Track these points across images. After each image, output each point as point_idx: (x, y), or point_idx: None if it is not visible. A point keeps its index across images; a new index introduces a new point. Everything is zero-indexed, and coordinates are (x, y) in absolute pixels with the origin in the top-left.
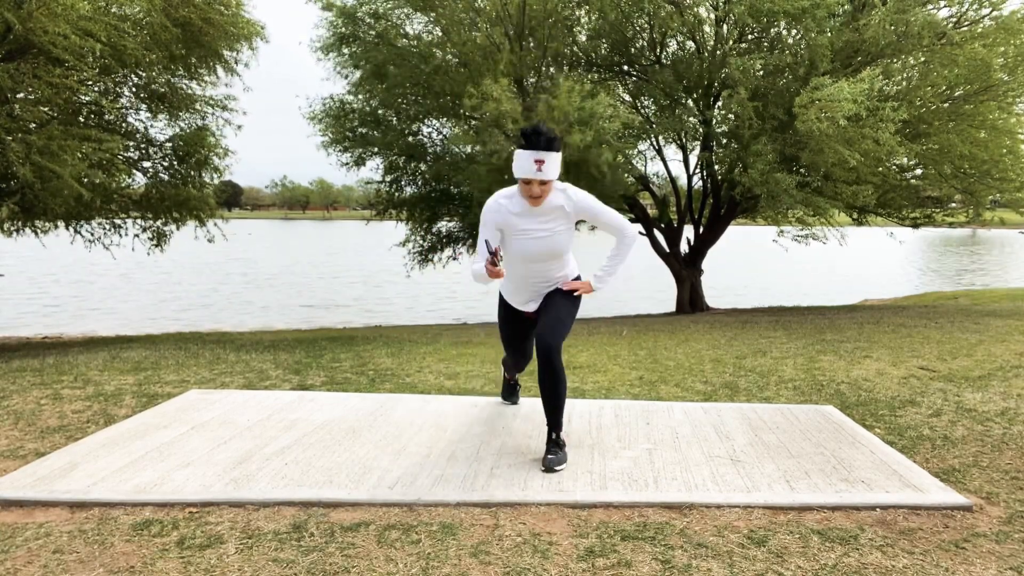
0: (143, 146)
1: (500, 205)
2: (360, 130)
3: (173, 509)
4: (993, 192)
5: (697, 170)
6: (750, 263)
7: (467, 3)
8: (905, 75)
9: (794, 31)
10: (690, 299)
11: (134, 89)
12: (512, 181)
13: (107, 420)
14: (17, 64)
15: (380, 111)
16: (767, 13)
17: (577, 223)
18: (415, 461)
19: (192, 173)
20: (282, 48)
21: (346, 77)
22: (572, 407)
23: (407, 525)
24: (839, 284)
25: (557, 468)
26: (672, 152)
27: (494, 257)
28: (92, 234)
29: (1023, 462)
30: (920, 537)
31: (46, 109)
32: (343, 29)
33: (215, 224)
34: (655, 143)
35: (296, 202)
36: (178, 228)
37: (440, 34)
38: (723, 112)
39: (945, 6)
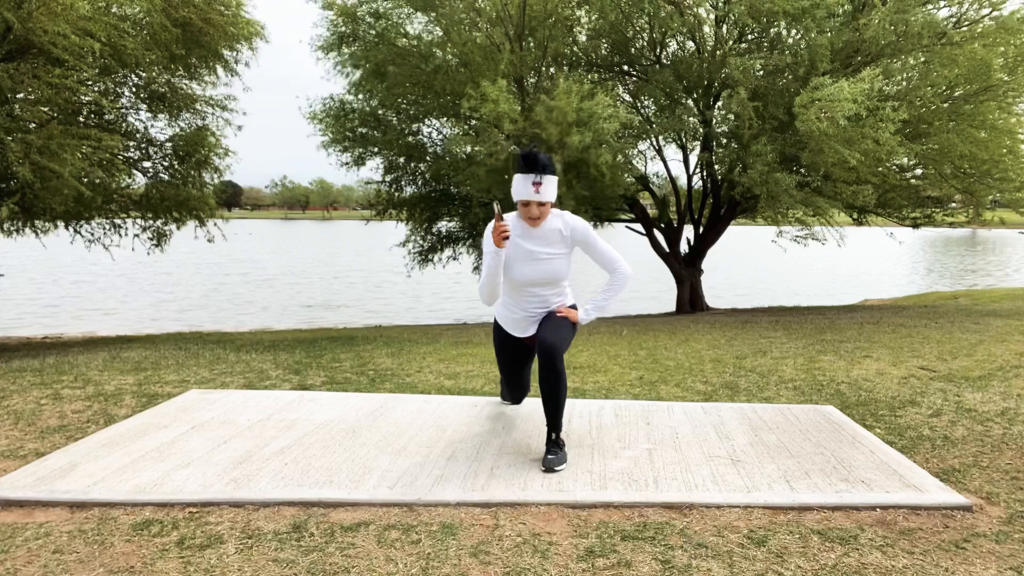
0: (143, 146)
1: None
2: (360, 130)
3: (173, 509)
4: (993, 192)
5: (697, 170)
6: (750, 263)
7: (468, 3)
8: (905, 75)
9: (794, 31)
10: (690, 299)
11: (134, 89)
12: (509, 180)
13: (107, 420)
14: (17, 64)
15: (380, 111)
16: (767, 13)
17: None
18: (415, 461)
19: (192, 173)
20: (282, 48)
21: (347, 76)
22: (572, 407)
23: (407, 525)
24: (839, 284)
25: (557, 468)
26: (672, 152)
27: (499, 215)
28: (92, 234)
29: (1023, 462)
30: (920, 537)
31: (46, 109)
32: (343, 28)
33: (215, 224)
34: (655, 143)
35: (296, 202)
36: (178, 228)
37: (440, 34)
38: (723, 112)
39: (945, 6)
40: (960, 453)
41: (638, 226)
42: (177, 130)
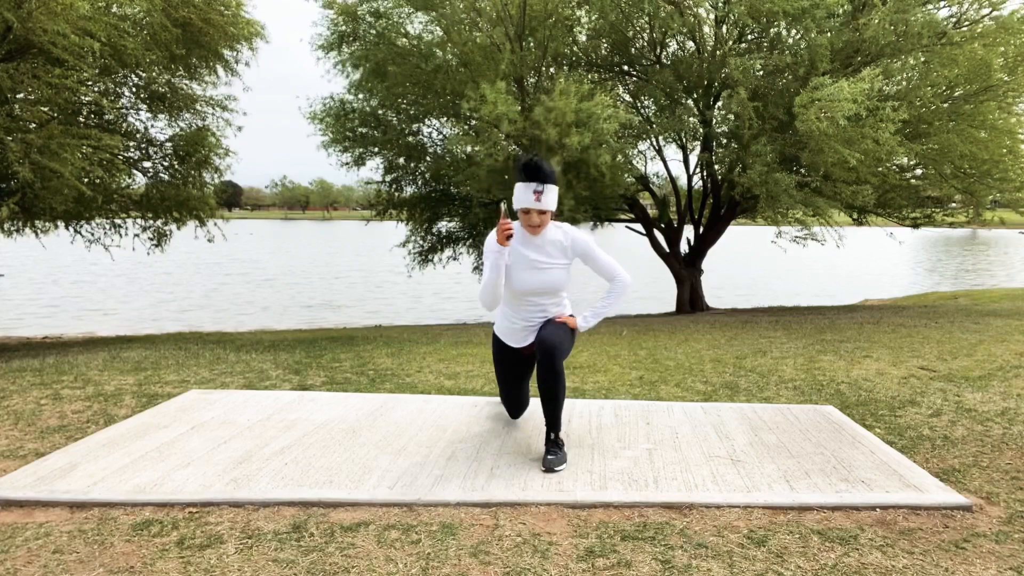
0: (143, 146)
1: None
2: (360, 130)
3: (173, 509)
4: (993, 192)
5: (697, 170)
6: (750, 263)
7: (468, 3)
8: (905, 75)
9: (794, 31)
10: (690, 299)
11: (134, 89)
12: (509, 180)
13: (107, 420)
14: (17, 64)
15: (380, 111)
16: (767, 13)
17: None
18: (415, 461)
19: (192, 173)
20: (282, 48)
21: (347, 76)
22: (572, 407)
23: (407, 525)
24: (839, 284)
25: (557, 468)
26: (672, 152)
27: (505, 214)
28: (92, 234)
29: (1023, 462)
30: (920, 537)
31: (46, 109)
32: (343, 27)
33: (215, 224)
34: (655, 143)
35: (296, 202)
36: (179, 228)
37: (440, 34)
38: (723, 112)
39: (945, 6)
40: (960, 453)
41: (638, 226)
42: (177, 130)
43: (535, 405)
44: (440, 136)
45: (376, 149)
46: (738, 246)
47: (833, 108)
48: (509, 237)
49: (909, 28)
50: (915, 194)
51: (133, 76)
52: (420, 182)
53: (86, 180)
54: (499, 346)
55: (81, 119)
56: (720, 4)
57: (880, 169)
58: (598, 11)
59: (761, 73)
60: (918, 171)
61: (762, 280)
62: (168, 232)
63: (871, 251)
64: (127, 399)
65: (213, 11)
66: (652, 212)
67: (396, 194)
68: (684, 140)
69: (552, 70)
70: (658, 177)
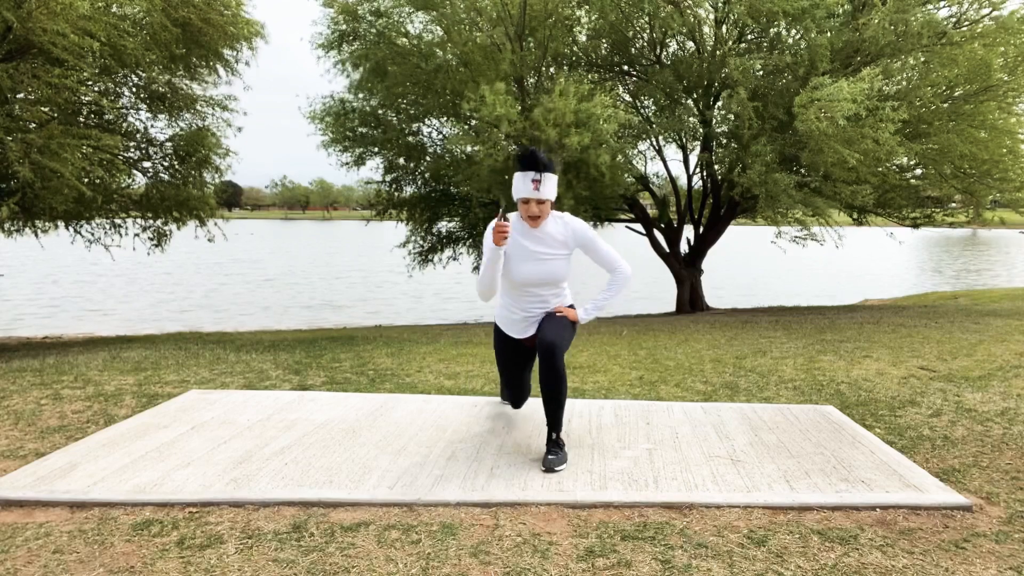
0: (143, 146)
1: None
2: (360, 130)
3: (173, 509)
4: (993, 192)
5: (697, 170)
6: (750, 263)
7: (468, 3)
8: (905, 75)
9: (794, 31)
10: (690, 299)
11: (134, 89)
12: (509, 180)
13: (107, 420)
14: (17, 64)
15: (380, 111)
16: (767, 13)
17: None
18: (415, 461)
19: (192, 173)
20: (282, 48)
21: (347, 76)
22: (572, 407)
23: (407, 525)
24: (839, 284)
25: (557, 468)
26: (672, 152)
27: (503, 217)
28: (92, 234)
29: (1023, 462)
30: (920, 537)
31: (46, 109)
32: (344, 26)
33: (215, 224)
34: (655, 143)
35: (296, 202)
36: (179, 228)
37: (441, 33)
38: (723, 112)
39: (945, 6)
40: (960, 453)
41: (638, 226)
42: (177, 130)
43: (535, 405)
44: (440, 136)
45: (376, 149)
46: (738, 246)
47: (832, 108)
48: (505, 237)
49: (909, 28)
50: (915, 194)
51: (133, 76)
52: (420, 182)
53: (86, 180)
54: (500, 336)
55: (81, 119)
56: (720, 4)
57: (880, 169)
58: (598, 11)
59: (761, 73)
60: (918, 171)
61: (762, 280)
62: (168, 232)
63: (871, 251)
64: (127, 399)
65: (213, 11)
66: (652, 212)
67: (396, 194)
68: (684, 140)
69: (552, 70)
70: (658, 177)
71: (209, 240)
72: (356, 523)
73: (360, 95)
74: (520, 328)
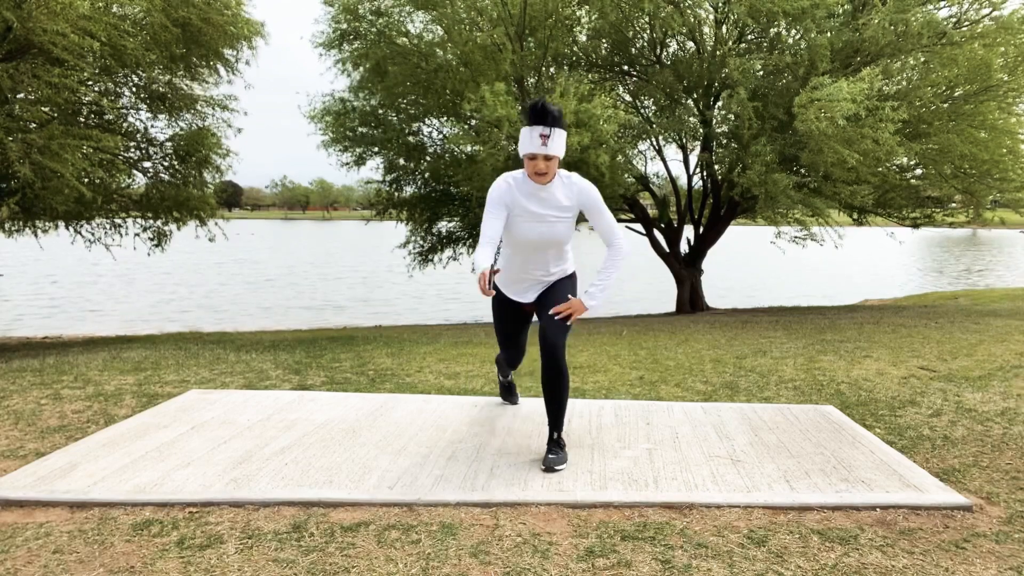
0: (143, 146)
1: (508, 184)
2: (360, 129)
3: (173, 509)
4: (993, 192)
5: (697, 170)
6: (750, 263)
7: (469, 3)
8: (905, 75)
9: (794, 31)
10: (690, 299)
11: (134, 89)
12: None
13: (107, 420)
14: (17, 64)
15: (380, 111)
16: (767, 13)
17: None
18: (415, 461)
19: (193, 173)
20: (282, 48)
21: (348, 75)
22: (572, 407)
23: (407, 525)
24: (839, 284)
25: (557, 468)
26: (672, 152)
27: (490, 275)
28: (92, 234)
29: (1023, 462)
30: (920, 537)
31: (46, 109)
32: (344, 25)
33: (215, 224)
34: (655, 143)
35: (296, 202)
36: (179, 228)
37: (441, 33)
38: (723, 112)
39: (945, 6)
40: (960, 453)
41: (638, 226)
42: (177, 130)
43: (535, 405)
44: (440, 136)
45: (376, 149)
46: (738, 246)
47: (832, 108)
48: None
49: (909, 28)
50: (915, 194)
51: (133, 76)
52: (420, 182)
53: (86, 180)
54: (498, 297)
55: (81, 119)
56: (720, 4)
57: (880, 169)
58: (598, 11)
59: (761, 73)
60: (918, 171)
61: (762, 280)
62: (168, 232)
63: (871, 251)
64: (127, 399)
65: (213, 10)
66: (652, 212)
67: (396, 194)
68: (684, 140)
69: (552, 70)
70: (658, 177)
71: (210, 240)
72: (356, 523)
73: (361, 94)
74: (519, 290)
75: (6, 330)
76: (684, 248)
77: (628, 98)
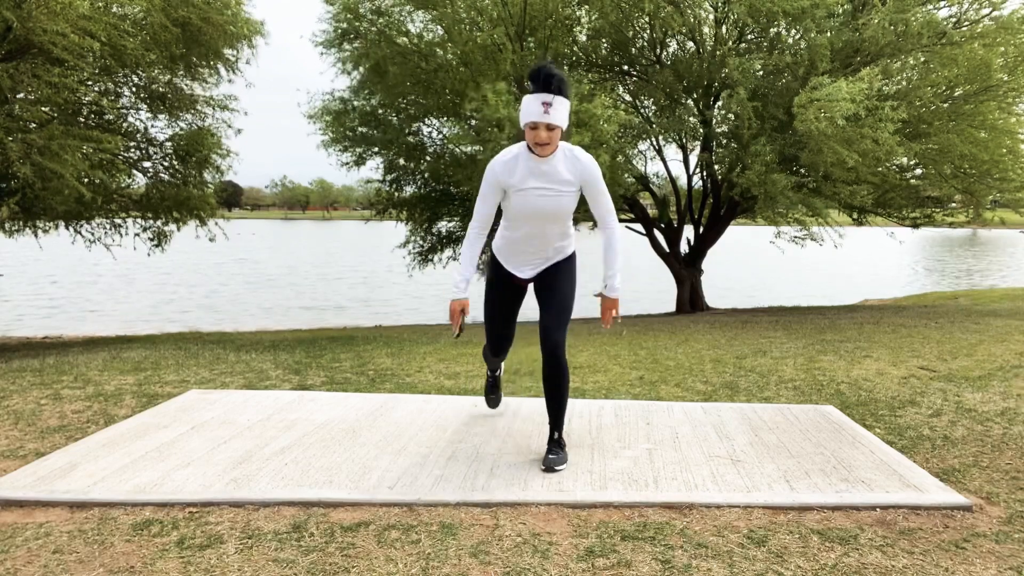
0: (143, 146)
1: (504, 162)
2: (360, 129)
3: (173, 509)
4: (993, 192)
5: (697, 170)
6: (750, 263)
7: (469, 2)
8: (905, 75)
9: (794, 31)
10: (690, 299)
11: (134, 89)
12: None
13: (107, 420)
14: (17, 64)
15: (380, 111)
16: (767, 13)
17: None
18: (415, 461)
19: (193, 173)
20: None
21: (348, 73)
22: (572, 407)
23: (407, 525)
24: (839, 284)
25: (557, 468)
26: (672, 152)
27: (460, 324)
28: (92, 234)
29: (1023, 462)
30: (920, 537)
31: (46, 109)
32: (345, 24)
33: (216, 224)
34: (655, 143)
35: (296, 202)
36: (179, 228)
37: (441, 33)
38: (723, 112)
39: (945, 6)
40: (960, 453)
41: (638, 226)
42: (177, 130)
43: (535, 405)
44: (440, 136)
45: (376, 149)
46: (738, 246)
47: (831, 108)
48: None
49: (909, 28)
50: (915, 194)
51: (133, 76)
52: (420, 182)
53: (86, 180)
54: (495, 271)
55: (81, 119)
56: (720, 4)
57: (880, 169)
58: (598, 11)
59: (761, 73)
60: (918, 171)
61: (762, 280)
62: (168, 233)
63: (871, 251)
64: (127, 399)
65: (212, 10)
66: (652, 212)
67: (396, 194)
68: (684, 140)
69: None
70: (658, 177)
71: (210, 240)
72: (356, 523)
73: (361, 94)
74: (518, 263)
75: (6, 330)
76: (684, 248)
77: (628, 98)
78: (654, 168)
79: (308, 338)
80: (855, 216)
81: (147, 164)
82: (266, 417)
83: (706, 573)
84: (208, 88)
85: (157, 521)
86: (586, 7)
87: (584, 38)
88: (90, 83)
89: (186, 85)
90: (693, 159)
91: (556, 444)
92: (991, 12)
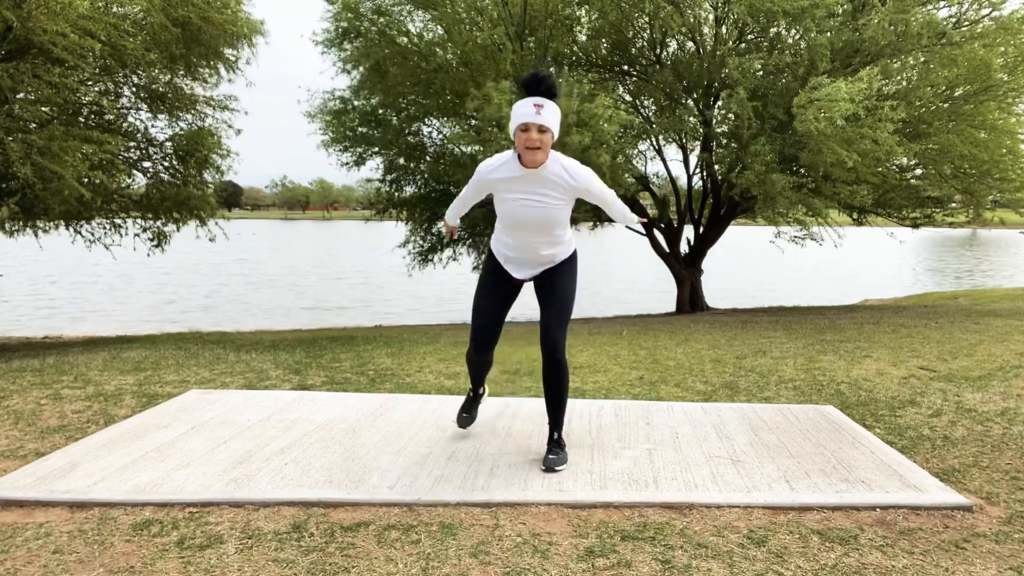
0: (143, 146)
1: (490, 164)
2: (360, 129)
3: (173, 509)
4: (993, 192)
5: (697, 170)
6: (750, 263)
7: (469, 2)
8: (904, 75)
9: (794, 31)
10: (690, 299)
11: (134, 89)
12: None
13: (107, 420)
14: (17, 64)
15: (380, 110)
16: (767, 13)
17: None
18: (415, 461)
19: (193, 173)
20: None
21: (348, 72)
22: (572, 407)
23: (407, 525)
24: (839, 284)
25: (558, 468)
26: (672, 152)
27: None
28: (92, 234)
29: (1023, 462)
30: (920, 537)
31: (46, 109)
32: (345, 23)
33: (216, 223)
34: (655, 143)
35: (296, 202)
36: (179, 229)
37: (441, 33)
38: (723, 112)
39: (945, 6)
40: (960, 453)
41: (638, 226)
42: (177, 130)
43: (535, 405)
44: (440, 136)
45: (376, 149)
46: (738, 246)
47: (831, 108)
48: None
49: (909, 28)
50: (915, 194)
51: (133, 76)
52: (420, 182)
53: (86, 180)
54: (493, 264)
55: (81, 119)
56: (720, 4)
57: (880, 169)
58: (598, 11)
59: (761, 73)
60: (918, 171)
61: (762, 280)
62: (168, 233)
63: (871, 251)
64: (127, 399)
65: (212, 9)
66: (652, 212)
67: (396, 194)
68: (684, 140)
69: (553, 70)
70: (658, 177)
71: (210, 240)
72: (356, 523)
73: (361, 94)
74: (514, 265)
75: (6, 330)
76: (684, 248)
77: (628, 98)
78: (654, 168)
79: (308, 338)
80: (855, 216)
81: (147, 164)
82: (266, 417)
83: (706, 573)
84: (208, 88)
85: (157, 521)
86: (586, 7)
87: (584, 38)
88: (90, 83)
89: (186, 85)
90: (693, 159)
91: (556, 444)
92: (991, 12)
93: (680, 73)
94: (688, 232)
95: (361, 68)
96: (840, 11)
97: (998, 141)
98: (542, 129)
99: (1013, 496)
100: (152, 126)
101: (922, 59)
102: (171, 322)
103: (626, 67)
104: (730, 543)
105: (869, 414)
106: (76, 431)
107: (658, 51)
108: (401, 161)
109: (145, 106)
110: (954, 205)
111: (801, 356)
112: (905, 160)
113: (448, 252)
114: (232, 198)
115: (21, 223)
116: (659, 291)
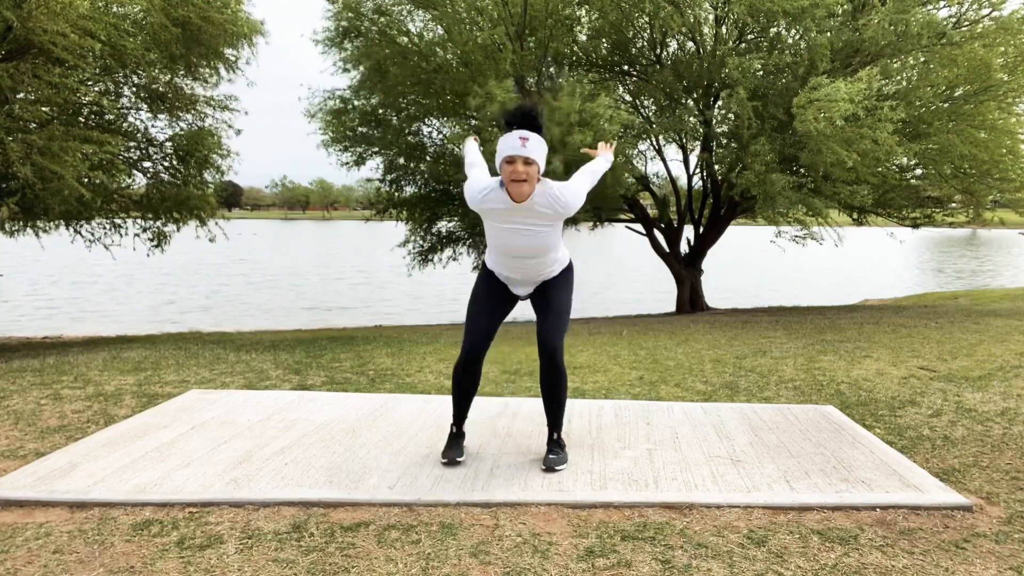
0: (143, 146)
1: (483, 192)
2: (360, 129)
3: (173, 509)
4: (993, 192)
5: (697, 170)
6: (750, 263)
7: (469, 2)
8: (904, 75)
9: (794, 31)
10: (690, 299)
11: (134, 89)
12: None
13: (107, 420)
14: (17, 64)
15: (380, 110)
16: (767, 13)
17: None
18: (415, 461)
19: (193, 173)
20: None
21: (348, 71)
22: (572, 407)
23: (407, 525)
24: (839, 284)
25: (557, 468)
26: (672, 152)
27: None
28: (92, 234)
29: (1023, 462)
30: (920, 537)
31: (46, 109)
32: (345, 23)
33: (216, 224)
34: (655, 143)
35: (296, 202)
36: (179, 229)
37: (441, 33)
38: (723, 112)
39: (945, 6)
40: (960, 453)
41: (638, 226)
42: (177, 130)
43: (535, 405)
44: (440, 136)
45: (376, 149)
46: (738, 246)
47: (830, 108)
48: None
49: (909, 28)
50: (915, 194)
51: (133, 76)
52: (420, 182)
53: (86, 180)
54: (488, 275)
55: (81, 119)
56: (720, 4)
57: (880, 169)
58: (598, 11)
59: (761, 73)
60: (918, 171)
61: (762, 280)
62: (168, 233)
63: (871, 251)
64: (127, 399)
65: (212, 9)
66: (652, 212)
67: (396, 194)
68: (684, 140)
69: (553, 70)
70: (658, 177)
71: (210, 240)
72: (356, 523)
73: (361, 93)
74: (510, 283)
75: (6, 330)
76: (684, 248)
77: (628, 98)
78: (654, 168)
79: (308, 338)
80: (855, 216)
81: (147, 164)
82: (266, 417)
83: (706, 573)
84: (208, 88)
85: (157, 521)
86: (586, 7)
87: (584, 38)
88: (90, 83)
89: (186, 85)
90: (693, 159)
91: (556, 444)
92: (991, 12)
93: (680, 73)
94: (688, 232)
95: (361, 68)
96: (840, 11)
97: (998, 141)
98: (528, 161)
99: (1013, 496)
100: (152, 126)
101: (922, 59)
102: (171, 322)
103: (626, 67)
104: (730, 543)
105: (869, 414)
106: (76, 431)
107: (658, 51)
108: (401, 161)
109: (145, 106)
110: (954, 205)
111: (801, 356)
112: (905, 160)
113: (448, 252)
114: (232, 198)
115: (21, 223)
116: (659, 291)
